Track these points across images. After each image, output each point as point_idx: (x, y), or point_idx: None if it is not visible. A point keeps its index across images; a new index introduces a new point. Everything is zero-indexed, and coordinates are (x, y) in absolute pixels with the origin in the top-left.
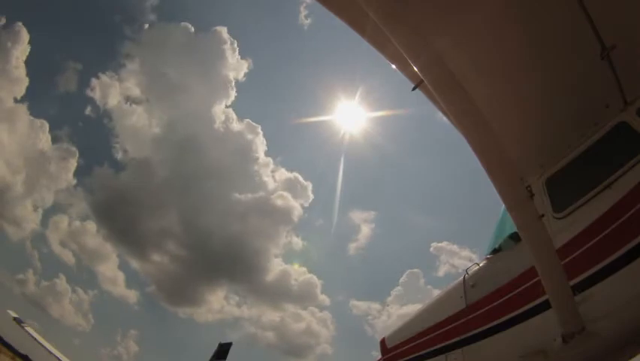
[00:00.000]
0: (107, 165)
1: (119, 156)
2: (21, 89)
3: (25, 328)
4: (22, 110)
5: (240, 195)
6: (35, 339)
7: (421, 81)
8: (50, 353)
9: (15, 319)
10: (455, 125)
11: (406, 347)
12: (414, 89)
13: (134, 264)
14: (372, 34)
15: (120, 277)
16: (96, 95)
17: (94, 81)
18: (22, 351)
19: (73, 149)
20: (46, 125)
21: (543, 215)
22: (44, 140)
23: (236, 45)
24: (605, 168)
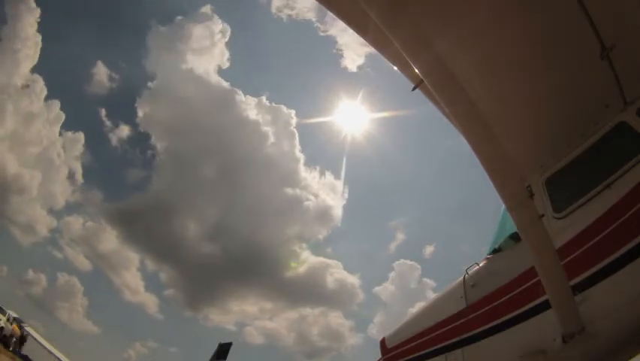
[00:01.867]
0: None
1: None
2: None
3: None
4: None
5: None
6: (35, 339)
7: (421, 81)
8: (50, 353)
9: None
10: (455, 125)
11: (406, 347)
12: (414, 89)
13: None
14: (374, 35)
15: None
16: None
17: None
18: (22, 351)
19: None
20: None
21: (543, 215)
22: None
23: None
24: (605, 168)
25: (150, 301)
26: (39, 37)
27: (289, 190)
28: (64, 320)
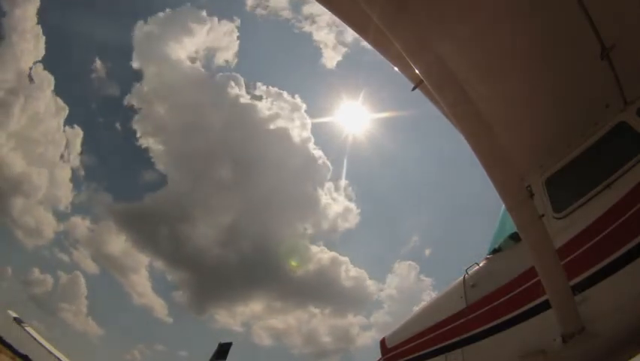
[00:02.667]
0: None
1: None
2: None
3: (25, 328)
4: None
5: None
6: (35, 339)
7: (421, 81)
8: (50, 352)
9: (15, 319)
10: (455, 125)
11: (406, 347)
12: (414, 89)
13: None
14: (374, 36)
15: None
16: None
17: None
18: (22, 351)
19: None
20: None
21: (543, 215)
22: None
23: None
24: (605, 168)
25: (157, 304)
26: (39, 30)
27: (298, 188)
28: (68, 321)
